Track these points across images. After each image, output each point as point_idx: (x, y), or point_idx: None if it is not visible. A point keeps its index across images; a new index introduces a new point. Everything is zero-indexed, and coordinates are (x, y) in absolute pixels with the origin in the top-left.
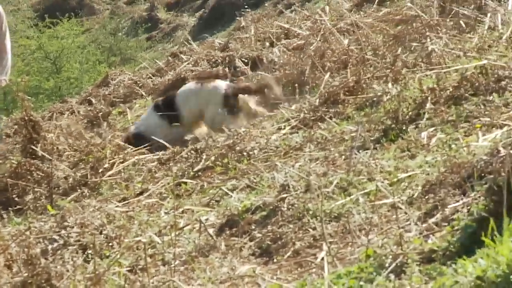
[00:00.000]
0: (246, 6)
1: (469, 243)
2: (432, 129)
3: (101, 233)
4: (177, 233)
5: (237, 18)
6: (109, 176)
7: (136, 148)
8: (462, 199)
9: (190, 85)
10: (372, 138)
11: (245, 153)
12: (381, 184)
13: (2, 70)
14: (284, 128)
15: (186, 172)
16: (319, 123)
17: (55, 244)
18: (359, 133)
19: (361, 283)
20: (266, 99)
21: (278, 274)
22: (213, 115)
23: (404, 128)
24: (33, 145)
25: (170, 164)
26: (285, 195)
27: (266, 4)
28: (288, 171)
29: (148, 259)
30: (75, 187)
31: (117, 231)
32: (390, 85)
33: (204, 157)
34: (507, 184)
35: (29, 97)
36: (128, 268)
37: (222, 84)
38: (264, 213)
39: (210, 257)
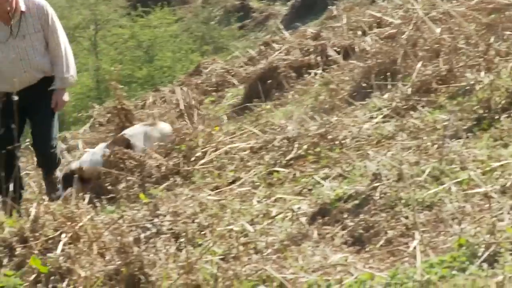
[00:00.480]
0: None
1: None
2: None
3: (193, 221)
4: (269, 221)
5: (329, 7)
6: (202, 164)
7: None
8: None
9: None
10: (465, 127)
11: (337, 142)
12: (474, 173)
13: (63, 69)
14: (376, 117)
15: (278, 161)
16: (411, 112)
17: (148, 233)
18: (452, 122)
19: (454, 272)
20: None
21: (370, 263)
22: None
23: (496, 117)
24: None
25: (263, 153)
26: (377, 184)
27: None
28: (380, 160)
29: (241, 248)
30: (167, 176)
31: (210, 220)
32: (482, 74)
33: (296, 145)
34: None
35: (122, 86)
36: (221, 257)
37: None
38: (356, 202)
39: (302, 245)
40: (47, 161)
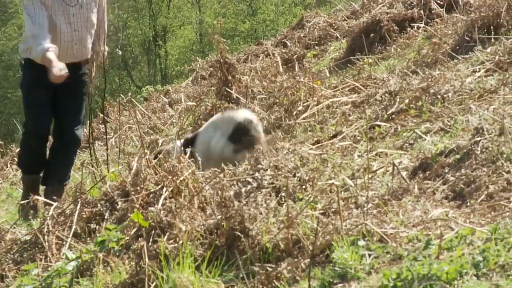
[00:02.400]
0: None
1: None
2: None
3: (294, 175)
4: (370, 176)
5: None
6: (303, 118)
7: None
8: None
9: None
10: None
11: (439, 96)
12: None
13: (104, 44)
14: (478, 71)
15: (379, 115)
16: None
17: (249, 187)
18: None
19: None
20: None
21: (471, 217)
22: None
23: None
24: (228, 87)
25: (364, 107)
26: (479, 138)
27: None
28: (482, 114)
29: (341, 202)
30: (269, 130)
31: (310, 174)
32: None
33: (398, 100)
34: None
35: (225, 40)
36: (321, 211)
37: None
38: (457, 156)
39: (403, 200)
40: (73, 142)
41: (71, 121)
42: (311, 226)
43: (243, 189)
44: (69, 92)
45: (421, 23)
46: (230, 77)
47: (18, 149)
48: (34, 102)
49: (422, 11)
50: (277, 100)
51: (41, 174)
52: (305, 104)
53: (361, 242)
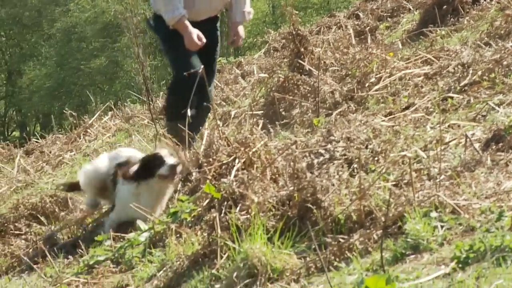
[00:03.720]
0: None
1: None
2: None
3: (366, 147)
4: (442, 148)
5: None
6: (376, 90)
7: None
8: None
9: None
10: None
11: None
12: None
13: (245, 2)
14: None
15: (452, 87)
16: None
17: (321, 158)
18: None
19: None
20: None
21: None
22: None
23: None
24: (300, 59)
25: (437, 79)
26: None
27: None
28: None
29: (413, 174)
30: (341, 102)
31: (383, 146)
32: None
33: (471, 71)
34: None
35: (298, 12)
36: (393, 183)
37: None
38: None
39: (476, 172)
40: (209, 98)
41: (209, 79)
42: (384, 197)
43: (315, 161)
44: (206, 49)
45: None
46: (302, 49)
47: (166, 101)
48: (180, 46)
49: None
50: (349, 72)
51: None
52: (377, 76)
53: (434, 214)
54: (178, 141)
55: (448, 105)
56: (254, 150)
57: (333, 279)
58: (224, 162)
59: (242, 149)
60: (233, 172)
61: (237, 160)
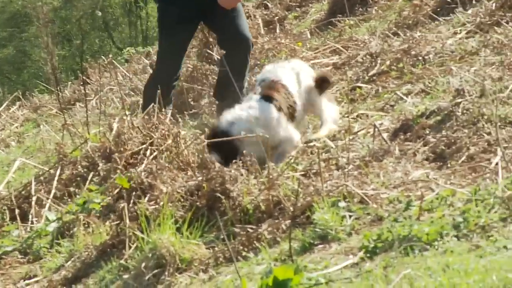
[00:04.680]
0: None
1: None
2: None
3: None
4: (351, 137)
5: None
6: None
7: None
8: None
9: None
10: None
11: (420, 58)
12: None
13: None
14: (460, 33)
15: (361, 77)
16: (495, 28)
17: None
18: None
19: None
20: None
21: (452, 179)
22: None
23: None
24: (209, 49)
25: (345, 69)
26: (460, 100)
27: None
28: (463, 76)
29: (322, 164)
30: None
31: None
32: None
33: (379, 61)
34: None
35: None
36: (302, 173)
37: None
38: (438, 117)
39: (384, 161)
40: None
41: (233, 28)
42: (292, 187)
43: None
44: (219, 15)
45: None
46: (211, 39)
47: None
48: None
49: None
50: (258, 62)
51: None
52: None
53: (342, 204)
54: None
55: (356, 95)
56: (164, 139)
57: (242, 269)
58: (134, 150)
59: (153, 138)
60: (144, 163)
61: (147, 150)
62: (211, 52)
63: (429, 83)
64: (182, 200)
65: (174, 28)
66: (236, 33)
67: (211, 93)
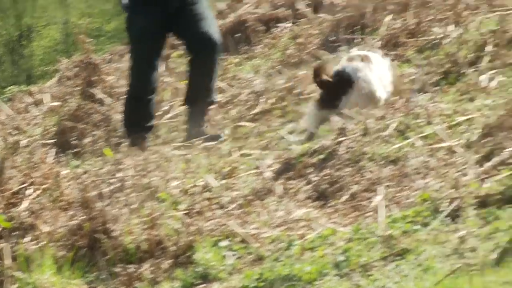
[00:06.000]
0: None
1: None
2: (492, 71)
3: (158, 176)
4: (234, 176)
5: None
6: (168, 118)
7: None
8: None
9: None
10: (432, 81)
11: (304, 96)
12: (439, 127)
13: None
14: None
15: (244, 115)
16: None
17: (112, 187)
18: (419, 76)
19: (416, 227)
20: None
21: (334, 217)
22: None
23: (464, 71)
24: (93, 87)
25: (229, 107)
26: (342, 139)
27: None
28: (345, 115)
29: (204, 203)
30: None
31: (174, 174)
32: (451, 27)
33: (263, 100)
34: None
35: (90, 39)
36: (184, 212)
37: None
38: (321, 156)
39: (266, 200)
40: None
41: (201, 28)
42: (174, 226)
43: (106, 190)
44: (187, 17)
45: (287, 23)
46: (95, 77)
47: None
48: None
49: (288, 11)
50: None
51: None
52: (170, 104)
53: (224, 243)
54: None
55: (240, 134)
56: (45, 179)
57: None
58: (15, 190)
59: (34, 177)
60: (24, 202)
61: (30, 189)
62: (94, 91)
63: None
64: (63, 239)
65: (141, 38)
66: (204, 36)
67: (88, 132)
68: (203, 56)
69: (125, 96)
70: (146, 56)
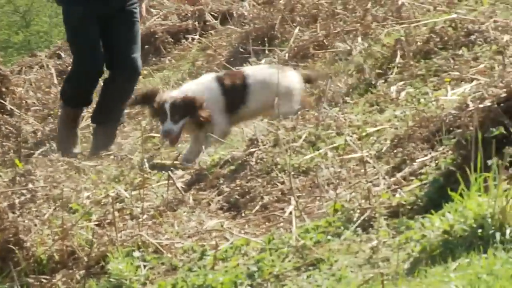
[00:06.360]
0: None
1: (437, 197)
2: (401, 83)
3: (69, 187)
4: (145, 187)
5: None
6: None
7: None
8: (430, 153)
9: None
10: (341, 93)
11: None
12: (350, 138)
13: None
14: None
15: (155, 126)
16: None
17: (23, 198)
18: (328, 87)
19: (329, 237)
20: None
21: (246, 228)
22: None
23: (373, 82)
24: (2, 99)
25: (140, 118)
26: (253, 149)
27: None
28: (257, 125)
29: (116, 214)
30: (43, 141)
31: (86, 185)
32: (359, 39)
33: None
34: (475, 139)
35: None
36: (96, 222)
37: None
38: (232, 167)
39: (178, 211)
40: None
41: (128, 48)
42: (86, 237)
43: (17, 201)
44: (121, 21)
45: (196, 35)
46: (3, 89)
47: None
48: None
49: (196, 23)
50: (52, 112)
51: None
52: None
53: (136, 253)
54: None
55: (150, 145)
56: None
57: None
58: None
59: None
60: None
61: None
62: (4, 102)
63: None
64: None
65: (82, 24)
66: (129, 62)
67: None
68: (123, 83)
69: (68, 77)
70: (88, 41)
